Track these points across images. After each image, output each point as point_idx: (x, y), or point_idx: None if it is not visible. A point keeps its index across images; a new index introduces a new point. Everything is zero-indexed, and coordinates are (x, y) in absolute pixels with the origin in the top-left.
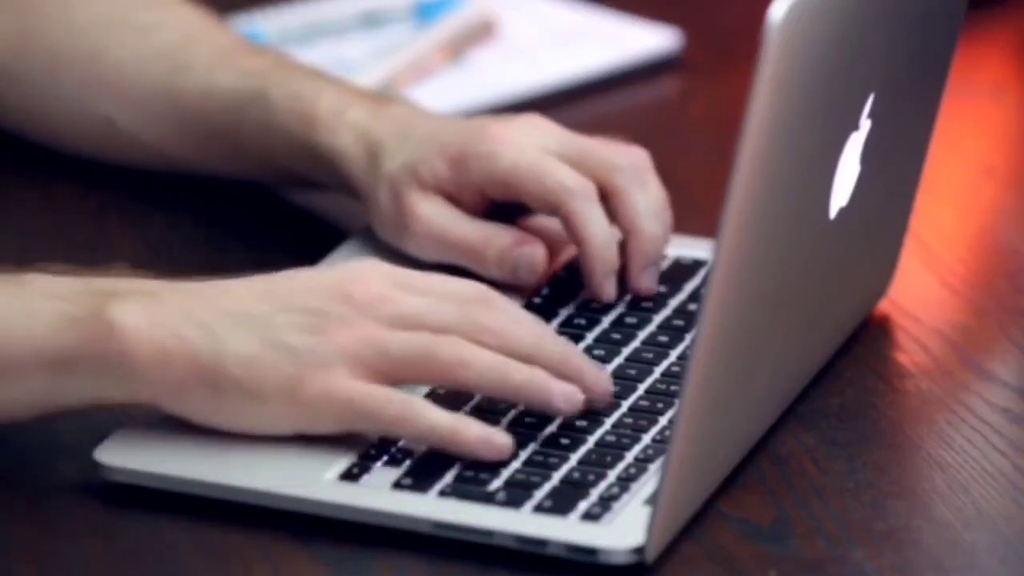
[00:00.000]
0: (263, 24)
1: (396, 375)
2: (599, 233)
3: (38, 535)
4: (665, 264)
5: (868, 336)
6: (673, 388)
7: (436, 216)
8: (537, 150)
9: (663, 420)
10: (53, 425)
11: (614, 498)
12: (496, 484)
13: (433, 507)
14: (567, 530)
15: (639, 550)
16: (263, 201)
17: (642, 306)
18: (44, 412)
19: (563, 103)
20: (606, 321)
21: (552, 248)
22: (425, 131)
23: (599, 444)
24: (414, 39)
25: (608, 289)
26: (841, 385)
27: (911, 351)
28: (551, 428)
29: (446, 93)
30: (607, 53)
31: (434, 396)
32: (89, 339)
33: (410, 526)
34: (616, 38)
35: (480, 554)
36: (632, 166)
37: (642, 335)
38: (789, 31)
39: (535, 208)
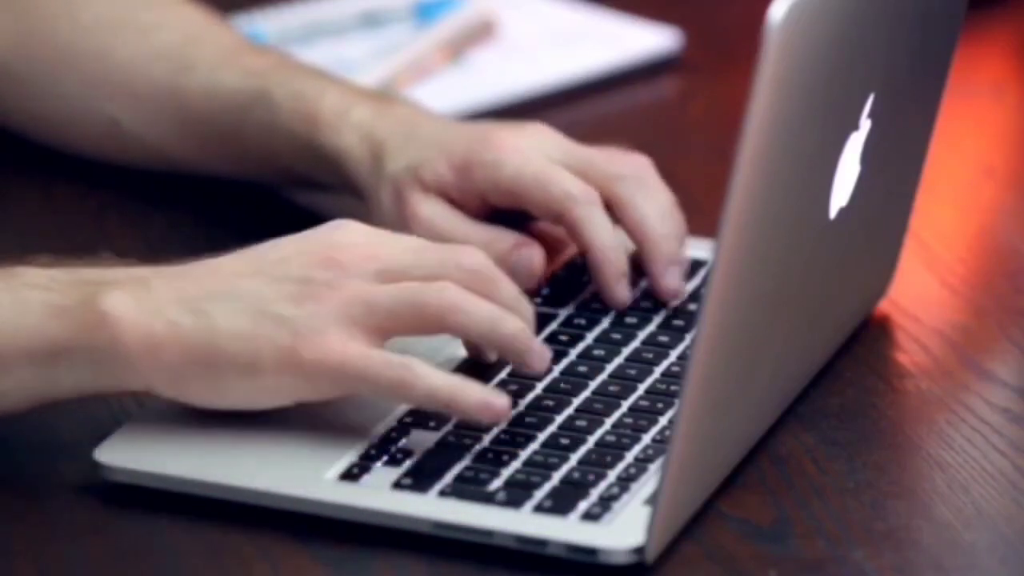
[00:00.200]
0: (263, 24)
1: (389, 329)
2: (605, 238)
3: (38, 535)
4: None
5: (868, 336)
6: (673, 388)
7: (437, 217)
8: (541, 159)
9: (663, 420)
10: (53, 425)
11: (614, 498)
12: (496, 484)
13: (433, 507)
14: (567, 530)
15: (639, 550)
16: (263, 201)
17: (642, 306)
18: (37, 403)
19: (563, 103)
20: (606, 321)
21: (552, 249)
22: (430, 134)
23: (599, 444)
24: (414, 39)
25: (620, 293)
26: (841, 385)
27: (911, 351)
28: (551, 428)
29: (446, 93)
30: (607, 53)
31: None
32: (79, 329)
33: (410, 526)
34: (616, 38)
35: (480, 554)
36: (634, 175)
37: (642, 335)
38: (789, 31)
39: (539, 216)
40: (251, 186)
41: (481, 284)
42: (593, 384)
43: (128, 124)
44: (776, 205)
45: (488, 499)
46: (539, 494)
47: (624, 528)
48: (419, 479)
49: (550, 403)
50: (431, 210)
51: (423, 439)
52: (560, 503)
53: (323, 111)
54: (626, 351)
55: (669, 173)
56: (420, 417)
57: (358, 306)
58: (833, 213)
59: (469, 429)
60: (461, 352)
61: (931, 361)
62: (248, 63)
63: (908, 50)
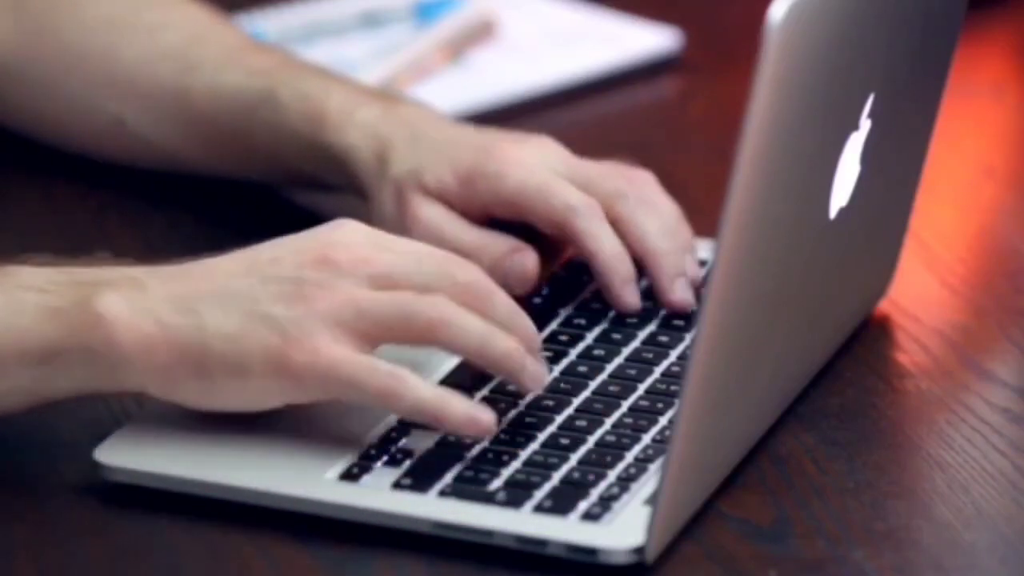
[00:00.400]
0: (263, 24)
1: (379, 336)
2: (608, 247)
3: (38, 535)
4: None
5: (868, 336)
6: (673, 388)
7: (436, 220)
8: (544, 171)
9: (663, 420)
10: (53, 425)
11: (614, 498)
12: (496, 484)
13: (433, 507)
14: (567, 530)
15: (639, 550)
16: (263, 201)
17: (642, 306)
18: (32, 405)
19: (563, 103)
20: (606, 321)
21: (551, 251)
22: (436, 139)
23: (599, 444)
24: (414, 39)
25: (629, 298)
26: (841, 385)
27: (911, 351)
28: (551, 428)
29: (446, 93)
30: (607, 53)
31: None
32: (74, 330)
33: (410, 526)
34: (616, 38)
35: (480, 554)
36: (636, 192)
37: (642, 335)
38: (789, 31)
39: (542, 228)
40: (251, 186)
41: (475, 299)
42: (593, 384)
43: (133, 124)
44: (776, 205)
45: (488, 499)
46: (539, 494)
47: (624, 528)
48: (419, 479)
49: (550, 403)
50: (431, 213)
51: (423, 439)
52: (560, 503)
53: (329, 110)
54: (626, 351)
55: (669, 173)
56: None
57: (349, 310)
58: (833, 213)
59: None
60: (449, 364)
61: (931, 361)
62: (253, 62)
63: (908, 50)
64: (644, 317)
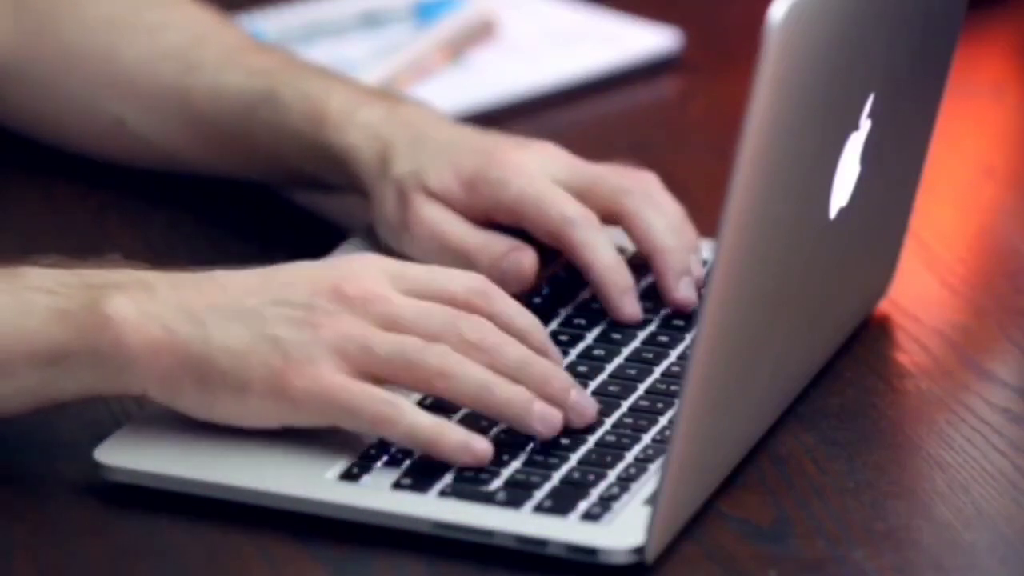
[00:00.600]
0: (263, 24)
1: (380, 374)
2: (604, 257)
3: (38, 535)
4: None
5: (868, 336)
6: (673, 388)
7: (438, 220)
8: (545, 180)
9: (663, 420)
10: (53, 425)
11: (614, 498)
12: (496, 484)
13: (433, 507)
14: (567, 530)
15: (639, 550)
16: (263, 201)
17: (642, 306)
18: (38, 406)
19: (563, 103)
20: (606, 321)
21: (552, 251)
22: (438, 140)
23: (599, 444)
24: (414, 39)
25: (628, 308)
26: (841, 385)
27: (911, 351)
28: None
29: (446, 93)
30: (607, 53)
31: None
32: (82, 333)
33: (410, 526)
34: (616, 38)
35: (480, 554)
36: (641, 189)
37: (642, 335)
38: (789, 31)
39: (539, 238)
40: (251, 186)
41: (484, 353)
42: (593, 384)
43: (134, 124)
44: (776, 205)
45: (488, 499)
46: (539, 494)
47: (624, 528)
48: (419, 479)
49: None
50: (433, 213)
51: None
52: (560, 503)
53: (330, 110)
54: (626, 351)
55: (669, 173)
56: None
57: (354, 344)
58: (833, 213)
59: (469, 429)
60: None
61: (931, 361)
62: (255, 63)
63: (908, 50)
64: (644, 317)
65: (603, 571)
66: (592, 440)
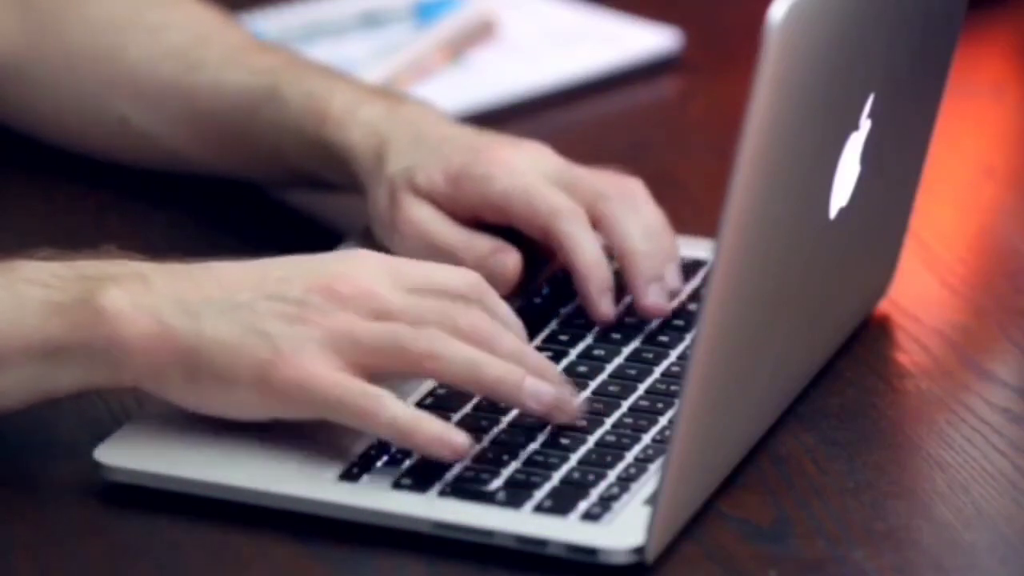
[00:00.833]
0: (264, 24)
1: (369, 364)
2: (588, 253)
3: (38, 535)
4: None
5: (868, 336)
6: (673, 388)
7: (424, 219)
8: (531, 175)
9: (663, 420)
10: (53, 425)
11: (614, 498)
12: (496, 484)
13: (433, 507)
14: (567, 530)
15: (639, 550)
16: (263, 201)
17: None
18: (34, 401)
19: (563, 103)
20: None
21: (548, 253)
22: (434, 139)
23: (599, 444)
24: (414, 39)
25: (604, 307)
26: (841, 385)
27: (911, 351)
28: (551, 428)
29: (446, 93)
30: (607, 53)
31: (435, 395)
32: (77, 326)
33: (410, 526)
34: (616, 38)
35: (480, 554)
36: (620, 194)
37: (642, 335)
38: (789, 31)
39: (526, 232)
40: (250, 186)
41: (479, 342)
42: (593, 384)
43: (138, 123)
44: (776, 205)
45: (488, 499)
46: (539, 494)
47: (624, 528)
48: (419, 479)
49: None
50: (419, 213)
51: None
52: (560, 503)
53: (332, 108)
54: (626, 351)
55: (669, 173)
56: None
57: (344, 338)
58: (833, 213)
59: (469, 429)
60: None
61: (931, 361)
62: (257, 61)
63: (908, 50)
64: (644, 319)
65: (603, 571)
66: (592, 440)
